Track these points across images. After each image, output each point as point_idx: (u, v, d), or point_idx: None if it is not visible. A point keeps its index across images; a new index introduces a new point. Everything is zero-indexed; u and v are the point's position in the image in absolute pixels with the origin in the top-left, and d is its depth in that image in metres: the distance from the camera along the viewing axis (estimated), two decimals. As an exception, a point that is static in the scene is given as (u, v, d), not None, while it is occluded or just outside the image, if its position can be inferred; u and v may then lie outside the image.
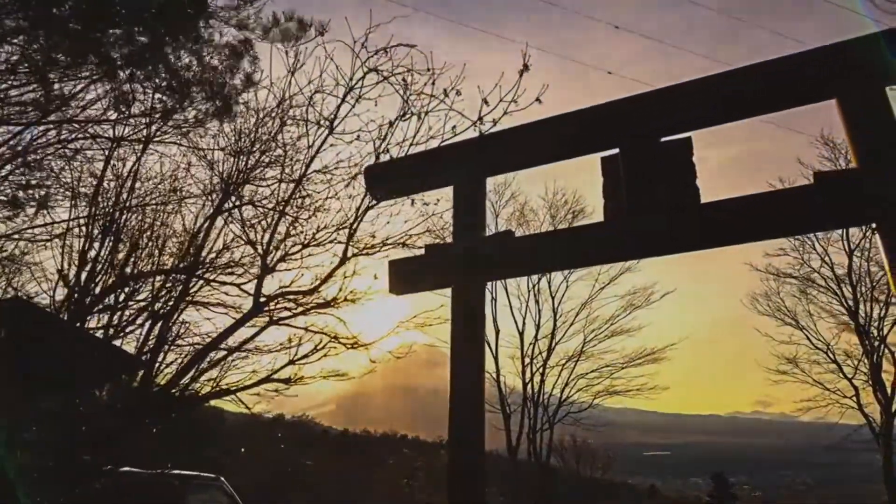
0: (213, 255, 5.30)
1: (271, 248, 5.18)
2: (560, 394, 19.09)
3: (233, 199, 5.30)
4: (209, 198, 5.47)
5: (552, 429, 19.29)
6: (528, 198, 21.51)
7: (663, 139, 3.46)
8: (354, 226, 5.14)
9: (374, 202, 4.85)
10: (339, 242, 5.19)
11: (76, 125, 5.01)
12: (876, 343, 14.16)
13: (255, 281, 5.15)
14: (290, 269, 5.26)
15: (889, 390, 13.92)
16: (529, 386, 18.73)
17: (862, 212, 2.97)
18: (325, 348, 5.34)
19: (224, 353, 5.06)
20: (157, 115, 5.23)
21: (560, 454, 28.54)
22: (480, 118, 4.45)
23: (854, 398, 14.83)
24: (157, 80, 5.35)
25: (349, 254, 5.17)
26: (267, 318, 5.18)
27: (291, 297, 5.23)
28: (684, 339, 21.59)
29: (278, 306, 5.23)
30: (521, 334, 19.23)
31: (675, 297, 19.82)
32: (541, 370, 18.78)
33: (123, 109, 5.13)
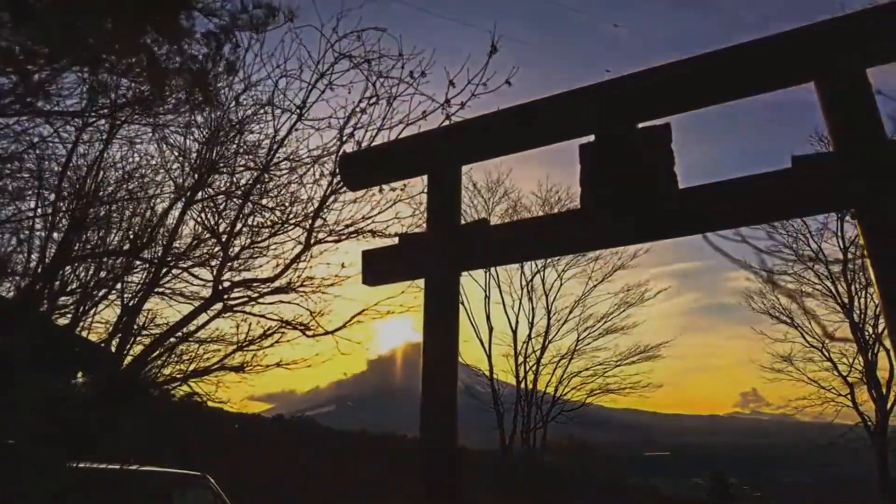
0: (179, 245, 5.22)
1: (234, 235, 5.10)
2: (554, 392, 19.07)
3: (207, 189, 5.22)
4: (178, 187, 5.38)
5: (546, 427, 19.26)
6: (522, 194, 21.56)
7: (640, 125, 3.40)
8: (321, 211, 5.07)
9: (339, 188, 4.78)
10: (303, 229, 5.12)
11: (43, 112, 4.92)
12: (871, 340, 14.07)
13: (216, 269, 5.07)
14: (253, 258, 5.20)
15: (884, 388, 13.82)
16: (523, 384, 18.68)
17: (840, 196, 2.90)
18: (274, 334, 5.27)
19: (182, 341, 4.98)
20: (129, 102, 5.14)
21: (558, 453, 28.44)
22: (448, 101, 4.39)
23: (849, 396, 14.78)
24: (133, 68, 5.26)
25: (312, 241, 5.10)
26: (223, 306, 5.09)
27: (253, 284, 5.14)
28: (679, 336, 21.58)
29: (239, 294, 5.16)
30: (515, 332, 19.20)
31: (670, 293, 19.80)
32: (534, 368, 18.75)
33: (96, 96, 5.04)
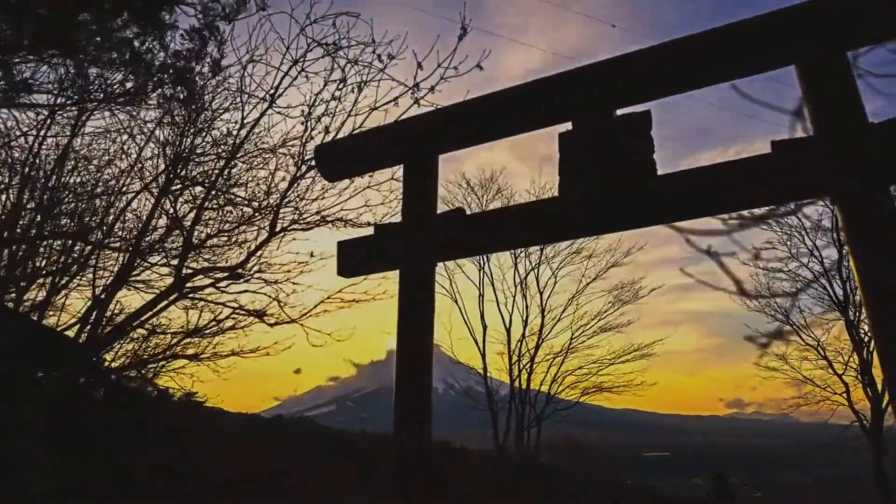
0: (152, 237, 5.13)
1: (197, 224, 5.01)
2: (548, 390, 19.00)
3: (182, 180, 5.12)
4: (146, 177, 5.29)
5: (539, 426, 19.19)
6: (516, 191, 21.51)
7: (619, 112, 3.33)
8: (287, 197, 4.98)
9: (305, 173, 4.71)
10: (267, 216, 5.02)
11: (15, 103, 4.85)
12: (866, 338, 13.93)
13: (178, 258, 4.97)
14: (218, 247, 5.11)
15: (879, 386, 13.66)
16: (517, 382, 18.61)
17: (820, 182, 2.81)
18: (227, 320, 5.19)
19: (146, 331, 4.89)
20: (107, 96, 5.06)
21: (557, 453, 28.31)
22: (417, 84, 4.31)
23: (844, 395, 14.64)
24: (113, 61, 5.19)
25: (278, 228, 5.01)
26: (178, 294, 4.99)
27: (212, 272, 5.04)
28: (673, 334, 21.48)
29: (199, 282, 5.06)
30: (509, 330, 19.10)
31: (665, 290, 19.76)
32: (528, 367, 18.66)
33: (77, 88, 4.97)
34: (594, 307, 20.14)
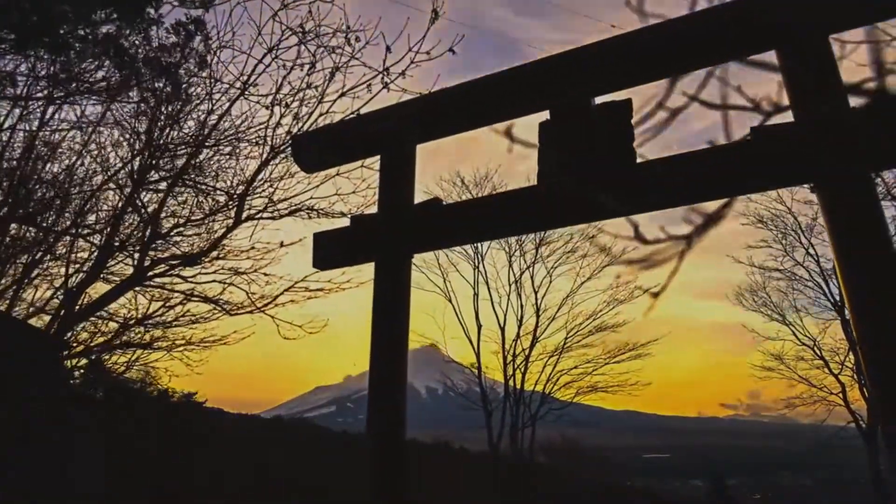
0: (112, 227, 5.05)
1: (164, 213, 4.95)
2: (543, 390, 18.90)
3: (156, 170, 5.05)
4: (106, 168, 5.21)
5: (534, 426, 19.09)
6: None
7: (597, 100, 3.27)
8: (253, 185, 4.91)
9: (271, 159, 4.65)
10: (231, 203, 4.95)
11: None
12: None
13: (140, 248, 4.91)
14: (186, 235, 5.04)
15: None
16: (511, 382, 18.52)
17: (799, 169, 2.75)
18: (177, 307, 5.12)
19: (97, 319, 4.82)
20: (86, 88, 4.99)
21: (556, 455, 28.19)
22: (387, 69, 4.24)
23: (840, 395, 14.52)
24: (100, 56, 5.13)
25: (243, 216, 4.94)
26: (135, 281, 4.92)
27: (173, 261, 4.97)
28: (667, 334, 21.31)
29: (161, 270, 4.98)
30: (503, 329, 19.01)
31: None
32: (522, 367, 18.56)
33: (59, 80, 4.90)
34: (589, 306, 20.02)
